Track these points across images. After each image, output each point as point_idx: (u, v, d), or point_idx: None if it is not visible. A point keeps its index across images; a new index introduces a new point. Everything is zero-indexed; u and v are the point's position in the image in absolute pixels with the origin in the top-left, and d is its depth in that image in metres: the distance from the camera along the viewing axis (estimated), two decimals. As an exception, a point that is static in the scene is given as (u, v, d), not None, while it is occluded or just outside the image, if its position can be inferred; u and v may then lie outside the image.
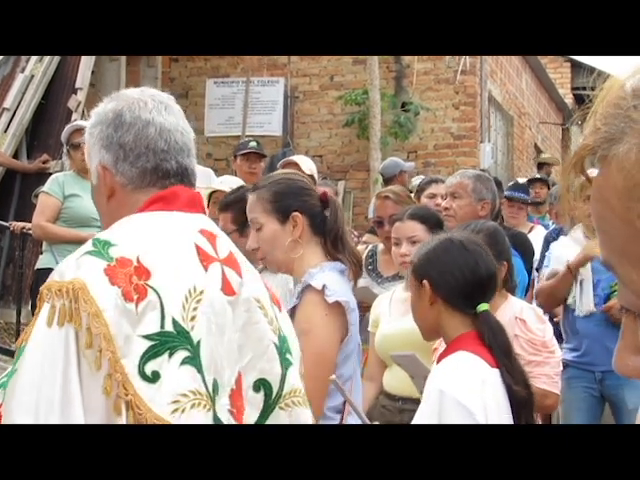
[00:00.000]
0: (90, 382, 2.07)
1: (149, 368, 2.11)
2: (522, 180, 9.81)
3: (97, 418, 2.06)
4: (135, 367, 2.09)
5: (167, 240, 2.29)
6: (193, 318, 2.19)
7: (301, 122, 14.24)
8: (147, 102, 2.41)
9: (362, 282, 5.57)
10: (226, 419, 2.25)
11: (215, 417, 2.21)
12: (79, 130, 7.10)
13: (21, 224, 8.04)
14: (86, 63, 9.40)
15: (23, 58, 9.43)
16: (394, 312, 4.52)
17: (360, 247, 6.24)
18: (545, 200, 9.30)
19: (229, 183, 6.50)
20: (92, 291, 2.09)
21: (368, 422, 3.26)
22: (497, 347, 3.21)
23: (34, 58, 9.29)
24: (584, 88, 21.95)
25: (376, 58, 12.46)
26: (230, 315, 2.29)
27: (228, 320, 2.28)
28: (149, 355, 2.11)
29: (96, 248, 2.20)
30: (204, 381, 2.18)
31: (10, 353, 8.46)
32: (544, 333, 4.31)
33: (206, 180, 8.32)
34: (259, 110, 13.82)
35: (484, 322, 3.27)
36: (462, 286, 3.27)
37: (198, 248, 2.30)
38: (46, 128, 9.23)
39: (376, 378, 4.54)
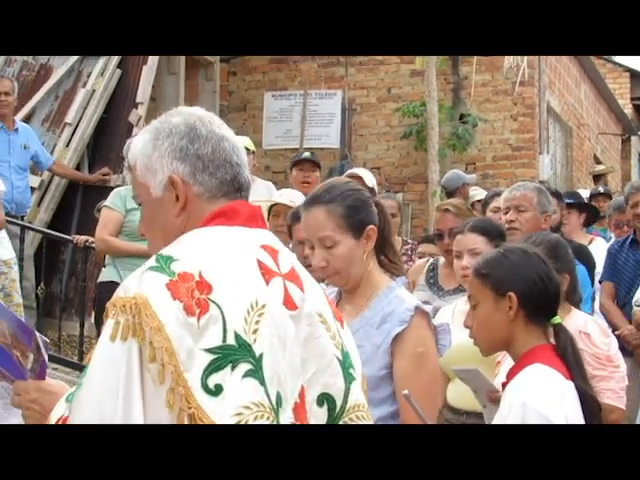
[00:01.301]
0: (153, 396, 2.08)
1: (212, 381, 2.11)
2: (585, 193, 9.67)
3: (159, 408, 2.09)
4: (198, 380, 2.10)
5: (229, 255, 2.29)
6: (255, 331, 2.19)
7: (359, 134, 14.22)
8: (213, 118, 2.45)
9: (423, 295, 5.56)
10: None
11: None
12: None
13: (84, 237, 8.12)
14: (147, 77, 9.45)
15: (84, 72, 9.51)
16: (457, 325, 4.50)
17: (421, 261, 6.24)
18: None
19: (288, 196, 6.51)
20: (154, 306, 2.11)
21: None
22: (572, 360, 3.21)
23: (95, 73, 9.36)
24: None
25: (434, 70, 12.43)
26: (292, 329, 2.29)
27: (290, 334, 2.28)
28: (212, 368, 2.12)
29: (159, 264, 2.21)
30: (267, 394, 2.17)
31: (73, 365, 8.54)
32: (609, 347, 4.26)
33: (267, 193, 8.35)
34: (317, 123, 13.83)
35: (561, 334, 3.27)
36: (545, 298, 3.27)
37: (260, 263, 2.31)
38: (107, 142, 9.29)
39: (440, 391, 4.51)
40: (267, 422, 2.16)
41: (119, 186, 7.69)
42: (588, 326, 4.27)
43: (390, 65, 14.28)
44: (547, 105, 14.86)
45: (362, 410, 2.41)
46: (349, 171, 7.72)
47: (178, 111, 2.49)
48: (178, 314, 2.11)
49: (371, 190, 7.15)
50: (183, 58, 12.38)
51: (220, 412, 2.11)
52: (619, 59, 22.54)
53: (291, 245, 5.35)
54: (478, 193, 9.02)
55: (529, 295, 3.22)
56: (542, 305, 3.27)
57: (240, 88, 14.53)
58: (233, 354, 2.15)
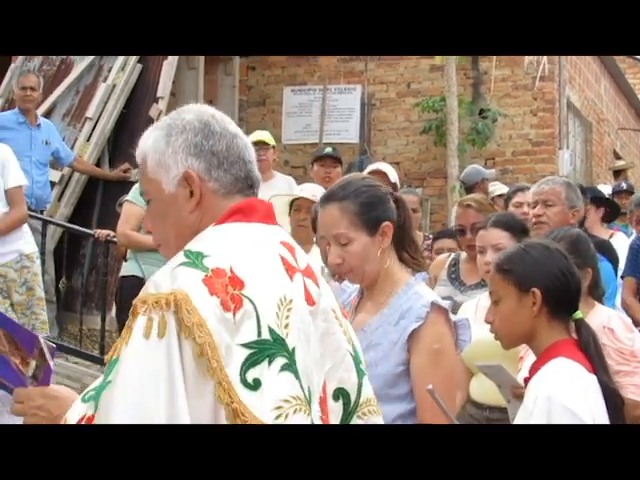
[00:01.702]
0: (196, 391, 2.08)
1: (250, 376, 2.12)
2: (607, 189, 9.67)
3: (204, 403, 2.09)
4: (237, 375, 2.10)
5: (255, 251, 2.29)
6: (287, 326, 2.20)
7: (378, 129, 14.19)
8: (225, 117, 2.47)
9: (444, 291, 5.57)
10: (318, 421, 2.26)
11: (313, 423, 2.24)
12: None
13: (105, 232, 8.15)
14: (167, 72, 9.47)
15: (105, 67, 9.54)
16: (480, 320, 4.50)
17: (443, 256, 6.23)
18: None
19: (310, 190, 6.50)
20: (194, 301, 2.10)
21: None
22: (595, 354, 3.22)
23: (116, 67, 9.39)
24: (664, 93, 21.78)
25: (453, 65, 12.40)
26: (312, 325, 2.30)
27: (311, 329, 2.29)
28: (249, 363, 2.12)
29: (190, 259, 2.21)
30: (302, 387, 2.19)
31: (93, 359, 8.58)
32: (633, 342, 4.25)
33: (287, 188, 8.37)
34: (336, 118, 13.80)
35: (583, 329, 3.29)
36: (567, 294, 3.28)
37: (283, 259, 2.32)
38: (128, 137, 9.27)
39: (463, 386, 4.51)
40: (304, 415, 2.17)
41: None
42: (612, 321, 4.26)
43: (410, 60, 14.21)
44: (567, 100, 14.79)
45: (373, 404, 2.44)
46: (372, 166, 7.71)
47: (189, 108, 2.49)
48: (216, 309, 2.11)
49: (393, 186, 7.16)
50: (201, 57, 12.42)
51: (260, 406, 2.11)
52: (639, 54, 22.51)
53: (314, 238, 5.37)
54: (497, 188, 9.01)
55: (552, 291, 3.23)
56: (564, 300, 3.28)
57: (259, 83, 14.51)
58: (269, 348, 2.16)
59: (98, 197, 9.18)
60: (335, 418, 2.32)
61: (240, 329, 2.14)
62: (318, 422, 2.26)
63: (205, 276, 2.15)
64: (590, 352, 3.22)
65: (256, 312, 2.17)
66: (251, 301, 2.17)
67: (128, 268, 6.96)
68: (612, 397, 3.20)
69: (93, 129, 9.25)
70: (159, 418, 2.04)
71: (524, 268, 3.25)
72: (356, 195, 3.46)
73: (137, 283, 6.62)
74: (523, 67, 13.81)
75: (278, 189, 8.38)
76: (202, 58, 12.49)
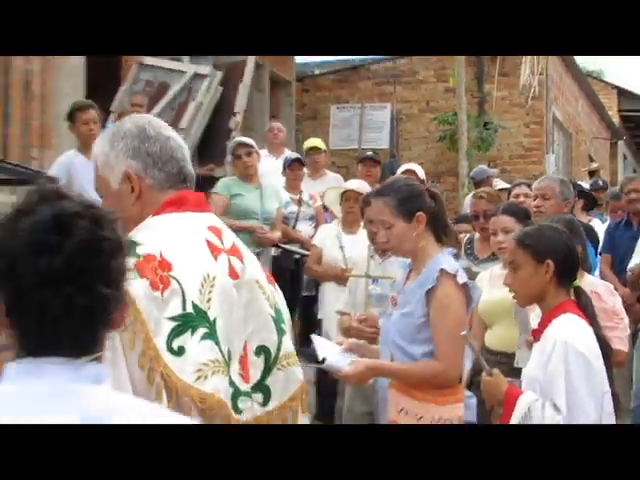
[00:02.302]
0: (129, 359, 2.00)
1: (175, 344, 2.05)
2: (586, 185, 9.66)
3: (138, 389, 1.99)
4: (164, 344, 2.03)
5: (183, 236, 2.21)
6: (209, 300, 2.13)
7: (404, 138, 14.28)
8: (160, 123, 2.39)
9: (463, 263, 5.56)
10: (238, 381, 2.18)
11: (230, 380, 2.15)
12: (240, 144, 7.18)
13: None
14: (242, 93, 9.49)
15: (194, 89, 9.55)
16: (494, 284, 4.50)
17: (460, 236, 6.23)
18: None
19: (357, 184, 6.51)
20: None
21: (488, 368, 3.26)
22: (591, 312, 3.24)
23: (203, 89, 9.41)
24: (628, 110, 21.59)
25: (463, 87, 12.34)
26: (236, 295, 2.23)
27: (235, 300, 2.22)
28: (175, 333, 2.06)
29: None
30: (221, 351, 2.12)
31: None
32: (614, 303, 4.32)
33: (336, 183, 8.37)
34: (371, 129, 13.85)
35: (581, 293, 3.32)
36: (571, 265, 3.29)
37: (208, 242, 2.23)
38: (212, 143, 9.32)
39: (479, 337, 4.52)
40: (222, 376, 2.10)
41: (222, 177, 7.69)
42: (598, 287, 4.34)
43: (429, 84, 14.36)
44: (553, 115, 14.80)
45: (291, 357, 2.34)
46: (405, 166, 7.67)
47: (130, 117, 2.42)
48: (146, 289, 2.04)
49: (422, 181, 7.15)
50: (268, 78, 12.40)
51: (184, 369, 2.05)
52: (608, 79, 22.40)
53: (362, 223, 5.39)
54: (499, 183, 9.08)
55: (561, 262, 3.23)
56: (569, 270, 3.29)
57: (311, 102, 14.59)
58: (192, 321, 2.09)
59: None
60: (257, 371, 2.25)
61: (168, 305, 2.07)
62: (237, 378, 2.18)
63: (137, 261, 2.07)
64: (588, 311, 3.25)
65: (182, 290, 2.09)
66: (178, 281, 2.10)
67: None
68: (604, 346, 3.21)
69: (185, 138, 9.26)
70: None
71: (540, 243, 3.25)
72: (396, 192, 3.64)
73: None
74: (518, 89, 13.80)
75: (329, 184, 8.36)
76: (268, 83, 12.50)
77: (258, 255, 6.85)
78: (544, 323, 3.23)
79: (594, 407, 3.04)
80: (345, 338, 4.33)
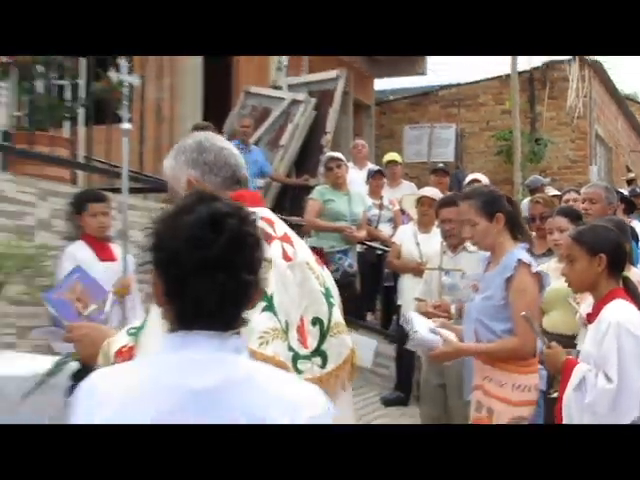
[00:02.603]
0: None
1: None
2: (625, 192, 9.46)
3: None
4: None
5: None
6: (266, 279, 2.02)
7: (467, 152, 14.13)
8: (216, 136, 2.38)
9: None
10: (297, 347, 2.15)
11: (289, 346, 2.12)
12: (332, 158, 7.23)
13: (296, 218, 8.24)
14: (332, 116, 9.51)
15: (292, 113, 9.60)
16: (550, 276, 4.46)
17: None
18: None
19: (430, 191, 6.51)
20: None
21: (547, 341, 3.25)
22: (638, 298, 3.18)
23: (299, 113, 9.46)
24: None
25: (517, 109, 12.23)
26: (290, 275, 2.19)
27: (289, 279, 2.18)
28: None
29: None
30: (279, 321, 2.08)
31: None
32: None
33: (411, 190, 8.37)
34: (439, 145, 13.74)
35: (629, 283, 3.26)
36: (621, 258, 3.25)
37: (263, 230, 2.12)
38: (307, 157, 9.37)
39: (538, 319, 4.50)
40: (281, 341, 2.07)
41: (316, 186, 7.75)
42: None
43: (488, 106, 14.22)
44: (595, 132, 14.46)
45: (340, 326, 2.31)
46: (471, 176, 7.62)
47: (192, 134, 2.41)
48: None
49: (485, 188, 7.09)
50: (352, 104, 12.42)
51: (249, 338, 1.98)
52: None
53: (437, 223, 5.38)
54: (551, 191, 8.92)
55: (612, 256, 3.18)
56: (619, 263, 3.23)
57: (388, 123, 14.55)
58: None
59: (288, 197, 9.27)
60: (314, 339, 2.21)
61: None
62: (295, 344, 2.14)
63: None
64: (636, 297, 3.18)
65: None
66: None
67: (311, 241, 6.93)
68: None
69: (285, 153, 9.35)
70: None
71: (594, 240, 3.20)
72: (480, 196, 3.73)
73: (316, 252, 6.69)
74: (565, 110, 13.57)
75: (405, 191, 8.38)
76: (352, 107, 12.52)
77: (347, 251, 6.94)
78: (598, 308, 3.20)
79: None
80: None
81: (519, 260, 3.53)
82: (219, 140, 2.34)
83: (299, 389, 1.46)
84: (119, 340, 2.18)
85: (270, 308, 2.08)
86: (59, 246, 4.80)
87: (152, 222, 1.47)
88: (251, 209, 2.24)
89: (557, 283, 4.21)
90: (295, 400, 1.42)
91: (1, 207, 4.63)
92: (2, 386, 3.21)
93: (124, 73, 4.96)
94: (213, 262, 1.38)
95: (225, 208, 1.44)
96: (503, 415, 3.52)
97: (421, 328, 3.74)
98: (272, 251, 2.16)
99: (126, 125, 4.87)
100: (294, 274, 2.21)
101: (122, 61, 4.99)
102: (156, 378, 1.40)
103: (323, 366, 2.23)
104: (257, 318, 2.03)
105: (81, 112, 5.89)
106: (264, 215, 2.28)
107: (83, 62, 6.17)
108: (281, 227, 2.30)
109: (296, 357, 2.14)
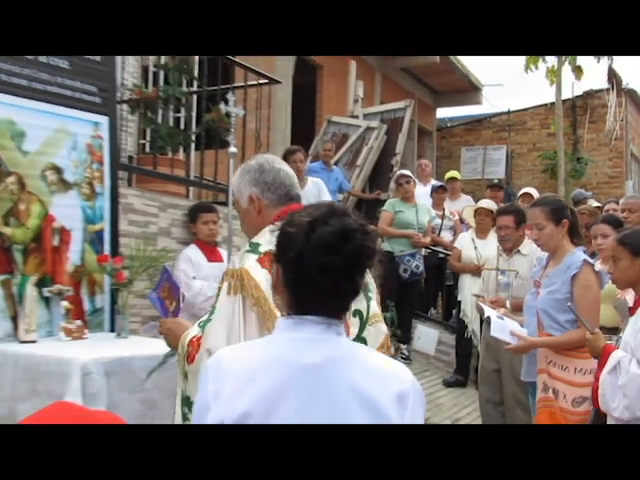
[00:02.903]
0: (252, 327, 2.03)
1: None
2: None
3: (253, 333, 2.01)
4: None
5: None
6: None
7: (516, 170, 13.86)
8: (275, 159, 2.35)
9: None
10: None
11: None
12: (402, 175, 7.18)
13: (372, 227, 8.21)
14: (400, 139, 9.44)
15: (367, 138, 9.58)
16: None
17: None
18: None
19: (487, 203, 6.42)
20: (252, 273, 2.06)
21: (590, 327, 3.14)
22: None
23: (372, 137, 9.44)
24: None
25: (561, 132, 11.88)
26: None
27: None
28: None
29: (251, 248, 2.15)
30: None
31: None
32: None
33: (469, 202, 8.25)
34: (491, 164, 13.54)
35: None
36: None
37: None
38: (379, 175, 9.35)
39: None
40: None
41: (386, 199, 7.72)
42: None
43: (534, 130, 13.93)
44: (630, 151, 13.99)
45: (378, 316, 2.27)
46: (524, 190, 7.49)
47: (255, 156, 2.39)
48: (265, 276, 2.02)
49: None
50: (416, 129, 12.34)
51: None
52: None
53: (494, 229, 5.30)
54: (593, 202, 8.64)
55: None
56: None
57: (447, 145, 14.40)
58: None
59: (363, 209, 9.24)
60: (355, 328, 2.18)
61: None
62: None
63: (259, 257, 2.09)
64: None
65: None
66: None
67: (384, 245, 6.91)
68: None
69: (360, 172, 9.35)
70: (234, 339, 1.99)
71: (636, 242, 3.10)
72: (550, 204, 3.67)
73: (388, 256, 6.70)
74: (604, 132, 13.20)
75: (463, 204, 8.27)
76: (416, 132, 12.45)
77: (414, 254, 6.89)
78: (638, 302, 3.10)
79: None
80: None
81: (584, 260, 3.49)
82: (277, 162, 2.33)
83: (391, 365, 1.47)
84: (192, 332, 2.20)
85: None
86: (176, 249, 4.93)
87: (282, 224, 1.48)
88: None
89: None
90: (387, 373, 1.44)
91: (130, 217, 4.76)
92: (132, 364, 3.28)
93: (231, 106, 5.07)
94: (337, 266, 1.39)
95: (354, 224, 1.43)
96: (567, 395, 3.45)
97: (493, 316, 3.73)
98: None
99: (233, 149, 4.98)
100: None
101: (230, 95, 5.11)
102: (271, 354, 1.42)
103: None
104: None
105: (194, 139, 6.02)
106: None
107: (195, 97, 6.32)
108: None
109: None
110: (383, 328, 2.30)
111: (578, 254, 3.55)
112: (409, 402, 1.39)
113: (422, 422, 1.42)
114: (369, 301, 2.26)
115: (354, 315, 2.21)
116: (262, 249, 2.11)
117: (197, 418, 1.41)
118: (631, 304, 3.29)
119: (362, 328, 2.22)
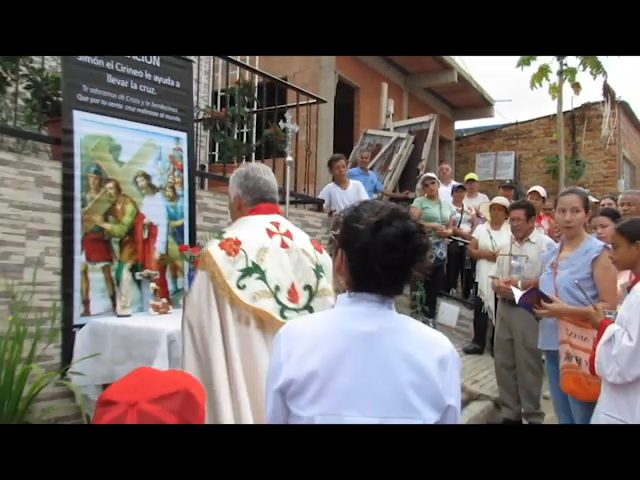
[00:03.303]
0: (209, 288, 2.09)
1: (241, 283, 2.11)
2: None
3: (211, 296, 2.07)
4: (235, 283, 2.10)
5: (250, 227, 2.24)
6: (262, 260, 2.17)
7: (523, 172, 13.51)
8: (260, 168, 2.37)
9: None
10: (285, 302, 2.18)
11: (277, 301, 2.16)
12: (428, 177, 7.07)
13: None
14: (425, 148, 9.35)
15: (397, 147, 9.47)
16: None
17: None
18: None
19: (500, 200, 6.26)
20: (212, 254, 2.13)
21: (594, 304, 3.01)
22: None
23: (402, 146, 9.32)
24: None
25: (562, 139, 11.57)
26: (287, 257, 2.23)
27: (285, 259, 2.22)
28: (240, 277, 2.11)
29: (218, 235, 2.20)
30: (268, 287, 2.15)
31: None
32: None
33: (484, 199, 8.07)
34: (502, 168, 13.23)
35: None
36: None
37: (267, 229, 2.25)
38: (407, 176, 9.26)
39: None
40: (267, 299, 2.13)
41: (414, 198, 7.62)
42: None
43: (539, 138, 13.56)
44: (622, 155, 13.53)
45: (327, 291, 2.30)
46: (532, 188, 7.28)
47: (246, 164, 2.43)
48: (224, 256, 2.12)
49: (543, 198, 6.77)
50: (438, 139, 12.15)
51: (245, 296, 2.10)
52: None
53: (508, 220, 5.15)
54: (591, 198, 8.37)
55: None
56: None
57: (464, 152, 14.13)
58: (252, 270, 2.14)
59: (394, 206, 9.19)
60: (304, 298, 2.24)
61: (237, 263, 2.12)
62: (284, 301, 2.17)
63: (220, 242, 2.16)
64: None
65: (245, 255, 2.15)
66: (244, 250, 2.15)
67: (412, 237, 6.80)
68: None
69: (392, 175, 9.25)
70: (202, 307, 2.07)
71: (632, 230, 2.94)
72: (581, 193, 3.56)
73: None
74: (599, 139, 12.80)
75: (480, 201, 8.10)
76: (438, 141, 12.24)
77: (439, 243, 6.77)
78: (634, 281, 2.97)
79: None
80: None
81: (604, 245, 3.37)
82: (261, 172, 2.35)
83: (433, 334, 1.45)
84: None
85: (262, 278, 2.15)
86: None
87: (350, 220, 1.42)
88: (264, 215, 2.30)
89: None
90: (430, 341, 1.42)
91: (205, 214, 4.80)
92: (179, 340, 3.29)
93: (288, 122, 5.07)
94: (399, 262, 1.36)
95: (414, 226, 1.39)
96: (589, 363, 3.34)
97: (518, 295, 3.63)
98: (271, 241, 2.22)
99: (289, 158, 5.00)
100: (291, 256, 2.25)
101: (287, 114, 5.11)
102: (334, 324, 1.41)
103: None
104: (252, 283, 2.12)
105: (255, 150, 6.04)
106: (273, 220, 2.30)
107: (255, 116, 6.33)
108: (285, 225, 2.32)
109: (283, 309, 2.17)
110: (331, 301, 2.30)
111: (595, 240, 3.43)
112: (448, 365, 1.39)
113: (459, 381, 1.41)
114: (319, 278, 2.29)
115: (304, 288, 2.25)
116: (225, 236, 2.18)
117: (271, 377, 1.40)
118: (629, 284, 3.15)
119: (310, 298, 2.25)
